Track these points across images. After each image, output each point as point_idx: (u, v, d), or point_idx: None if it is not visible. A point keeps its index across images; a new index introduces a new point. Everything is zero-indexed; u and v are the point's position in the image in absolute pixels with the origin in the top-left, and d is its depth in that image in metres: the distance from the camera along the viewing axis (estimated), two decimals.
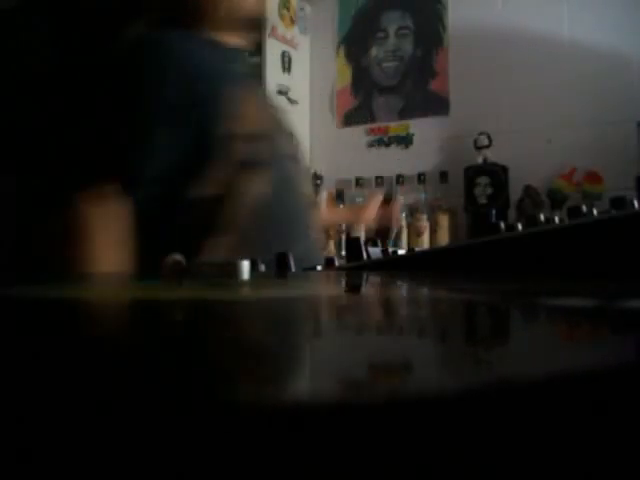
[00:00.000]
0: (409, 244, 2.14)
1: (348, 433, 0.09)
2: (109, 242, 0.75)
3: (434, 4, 2.31)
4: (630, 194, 1.15)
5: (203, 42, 0.80)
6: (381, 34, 2.42)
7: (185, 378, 0.13)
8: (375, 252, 0.74)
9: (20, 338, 0.18)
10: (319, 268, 0.66)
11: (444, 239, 2.12)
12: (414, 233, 2.17)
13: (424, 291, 0.44)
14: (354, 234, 2.15)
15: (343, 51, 2.50)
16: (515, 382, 0.11)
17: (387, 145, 2.37)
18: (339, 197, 2.35)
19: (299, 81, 2.46)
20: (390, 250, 0.71)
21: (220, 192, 0.71)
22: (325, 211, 2.26)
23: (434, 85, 2.30)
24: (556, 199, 1.99)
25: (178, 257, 0.41)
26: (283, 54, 2.39)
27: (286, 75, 2.39)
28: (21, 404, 0.10)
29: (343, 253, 1.94)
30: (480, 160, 2.12)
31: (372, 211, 1.11)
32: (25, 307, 0.31)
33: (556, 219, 0.76)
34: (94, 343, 0.19)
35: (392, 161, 2.32)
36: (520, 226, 0.69)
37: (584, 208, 0.76)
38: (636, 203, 0.79)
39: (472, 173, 2.12)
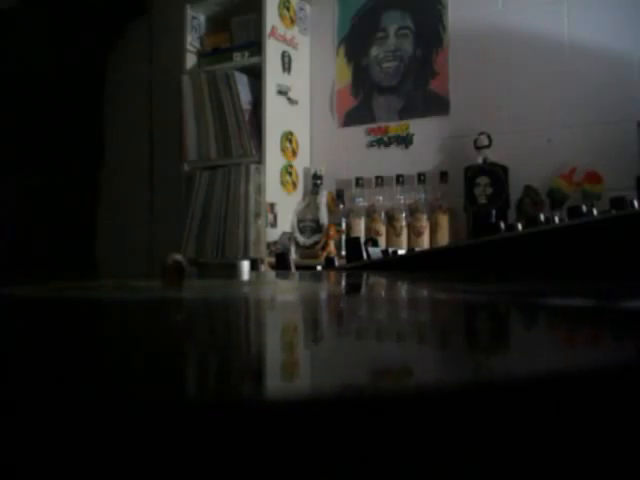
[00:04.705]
0: (409, 244, 2.14)
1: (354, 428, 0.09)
2: None
3: (434, 4, 2.31)
4: (630, 194, 1.15)
5: None
6: (381, 34, 2.42)
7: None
8: (375, 252, 0.74)
9: None
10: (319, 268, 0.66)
11: (444, 239, 2.12)
12: (414, 233, 2.16)
13: (424, 291, 0.44)
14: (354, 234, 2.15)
15: (343, 51, 2.50)
16: (515, 381, 0.11)
17: (387, 145, 2.37)
18: (339, 197, 2.35)
19: (299, 81, 2.46)
20: (390, 250, 0.71)
21: None
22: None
23: (434, 85, 2.30)
24: (556, 199, 1.99)
25: (178, 257, 0.41)
26: (283, 54, 2.39)
27: (286, 75, 2.39)
28: None
29: (343, 253, 1.94)
30: (480, 160, 2.12)
31: None
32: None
33: (556, 219, 0.76)
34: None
35: (392, 161, 2.32)
36: (520, 226, 0.69)
37: (584, 208, 0.76)
38: (636, 203, 0.79)
39: (472, 173, 2.11)
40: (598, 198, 1.87)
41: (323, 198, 2.36)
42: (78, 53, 2.79)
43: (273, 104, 2.30)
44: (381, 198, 2.25)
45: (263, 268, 1.87)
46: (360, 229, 2.23)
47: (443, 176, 2.18)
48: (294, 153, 2.41)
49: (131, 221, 2.85)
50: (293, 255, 2.23)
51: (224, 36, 2.48)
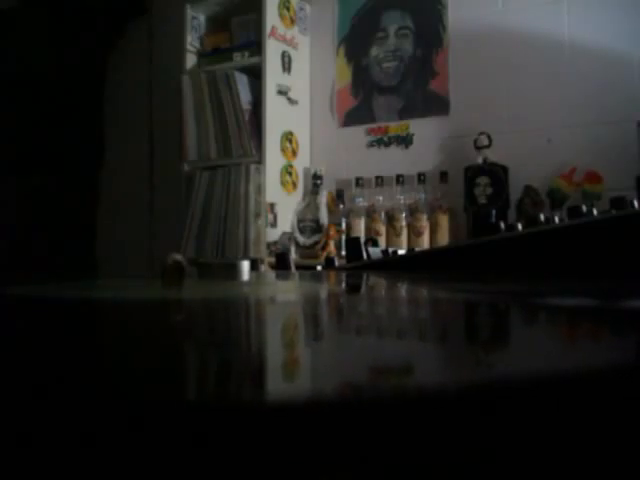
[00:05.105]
0: (409, 244, 2.14)
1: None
2: None
3: (434, 4, 2.31)
4: (630, 194, 1.15)
5: None
6: (381, 34, 2.42)
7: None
8: (375, 252, 0.74)
9: None
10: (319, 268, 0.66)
11: (444, 239, 2.12)
12: (414, 233, 2.16)
13: (424, 291, 0.44)
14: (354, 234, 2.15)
15: (343, 51, 2.50)
16: (515, 381, 0.11)
17: (387, 145, 2.37)
18: (339, 197, 2.35)
19: (299, 81, 2.46)
20: (390, 250, 0.71)
21: None
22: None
23: (434, 85, 2.30)
24: (556, 199, 1.99)
25: (178, 257, 0.41)
26: (283, 54, 2.39)
27: (286, 75, 2.39)
28: None
29: (343, 253, 1.94)
30: (480, 160, 2.12)
31: None
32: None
33: (556, 219, 0.76)
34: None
35: (392, 161, 2.32)
36: (520, 226, 0.69)
37: (584, 208, 0.76)
38: (636, 203, 0.79)
39: (472, 173, 2.11)
40: (598, 198, 1.87)
41: (323, 198, 2.36)
42: (78, 53, 2.79)
43: (273, 104, 2.30)
44: (381, 198, 2.25)
45: (263, 268, 1.87)
46: (360, 229, 2.23)
47: (443, 176, 2.18)
48: (294, 153, 2.41)
49: (131, 221, 2.85)
50: (293, 255, 2.23)
51: (224, 36, 2.48)
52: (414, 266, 0.61)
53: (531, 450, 0.10)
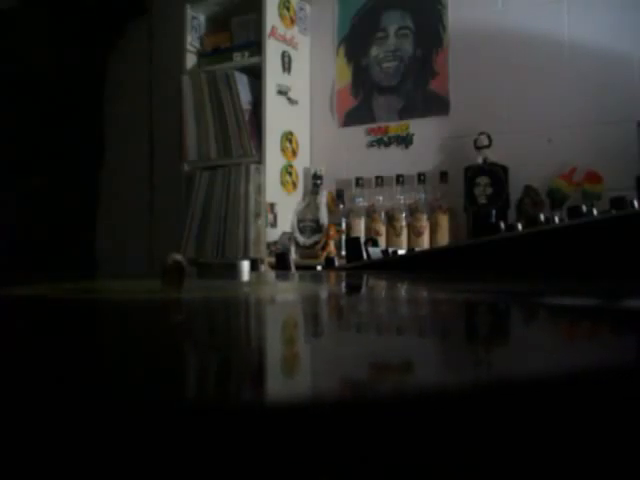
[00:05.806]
0: (409, 244, 2.14)
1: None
2: None
3: (434, 4, 2.31)
4: (630, 194, 1.15)
5: None
6: (381, 34, 2.42)
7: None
8: (375, 252, 0.74)
9: None
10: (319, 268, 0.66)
11: (444, 239, 2.12)
12: (414, 233, 2.16)
13: (424, 291, 0.44)
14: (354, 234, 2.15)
15: (343, 51, 2.50)
16: (515, 381, 0.11)
17: (387, 145, 2.37)
18: (339, 197, 2.35)
19: (299, 81, 2.46)
20: (390, 250, 0.71)
21: None
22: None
23: (434, 85, 2.30)
24: (556, 199, 1.99)
25: (178, 257, 0.41)
26: (283, 54, 2.39)
27: (286, 75, 2.39)
28: None
29: (343, 253, 1.94)
30: (480, 160, 2.12)
31: None
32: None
33: (556, 219, 0.76)
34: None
35: (392, 161, 2.32)
36: (520, 226, 0.69)
37: (584, 208, 0.76)
38: (636, 203, 0.79)
39: (472, 173, 2.11)
40: (598, 198, 1.87)
41: (323, 198, 2.36)
42: (78, 53, 2.79)
43: (273, 104, 2.30)
44: (381, 198, 2.25)
45: (263, 268, 1.87)
46: (360, 229, 2.23)
47: (443, 176, 2.18)
48: (294, 153, 2.41)
49: (131, 221, 2.85)
50: (293, 255, 2.23)
51: (224, 36, 2.48)
52: (414, 266, 0.61)
53: (531, 450, 0.10)
